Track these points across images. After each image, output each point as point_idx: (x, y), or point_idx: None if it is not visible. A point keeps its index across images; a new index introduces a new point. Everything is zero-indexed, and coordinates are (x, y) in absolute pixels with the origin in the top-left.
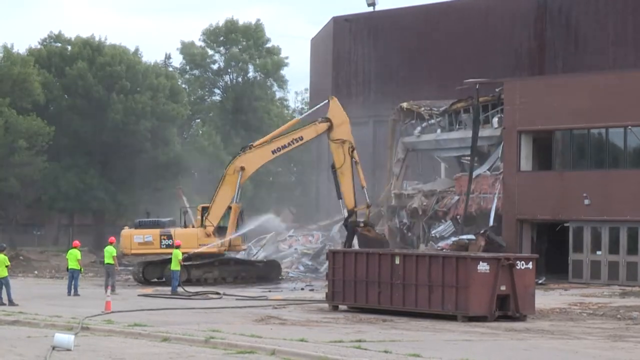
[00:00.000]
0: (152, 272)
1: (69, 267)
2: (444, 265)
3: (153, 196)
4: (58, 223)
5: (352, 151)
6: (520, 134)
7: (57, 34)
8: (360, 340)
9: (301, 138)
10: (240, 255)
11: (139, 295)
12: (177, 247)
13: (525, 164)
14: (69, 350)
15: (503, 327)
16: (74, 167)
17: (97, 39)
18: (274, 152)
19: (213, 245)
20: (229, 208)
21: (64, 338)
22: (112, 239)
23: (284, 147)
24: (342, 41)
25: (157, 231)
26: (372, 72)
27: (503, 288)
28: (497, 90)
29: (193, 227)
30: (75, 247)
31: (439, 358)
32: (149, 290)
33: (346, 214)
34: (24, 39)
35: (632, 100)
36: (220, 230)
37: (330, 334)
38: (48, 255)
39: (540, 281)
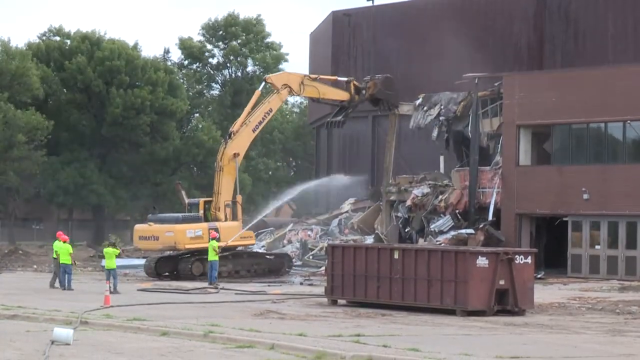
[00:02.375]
0: (165, 266)
1: (61, 261)
2: (443, 260)
3: (152, 191)
4: (57, 218)
5: (310, 78)
6: (519, 128)
7: (57, 27)
8: (359, 335)
9: (271, 110)
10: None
11: (138, 290)
12: (213, 238)
13: (524, 158)
14: (68, 344)
15: (502, 321)
16: (73, 161)
17: (96, 33)
18: (254, 130)
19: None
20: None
21: (63, 332)
22: (62, 235)
23: (260, 123)
24: (341, 35)
25: (205, 225)
26: (371, 66)
27: (502, 282)
28: (496, 84)
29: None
30: (65, 241)
31: (438, 352)
32: (149, 284)
33: (350, 104)
34: (23, 34)
35: (631, 94)
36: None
37: (329, 328)
38: (47, 249)
39: (539, 275)
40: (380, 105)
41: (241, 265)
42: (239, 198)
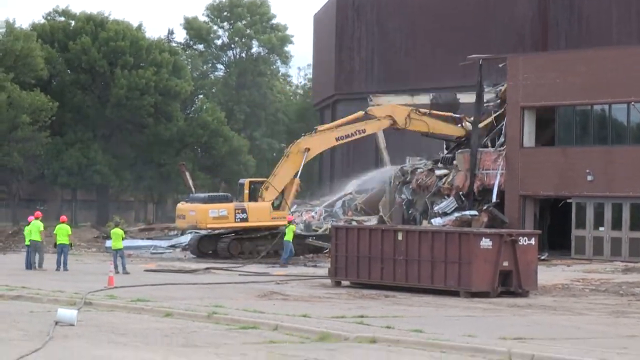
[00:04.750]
0: (207, 245)
1: (58, 242)
2: (446, 241)
3: (156, 172)
4: (61, 198)
5: (419, 112)
6: (523, 109)
7: (62, 8)
8: (362, 316)
9: (364, 131)
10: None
11: (145, 271)
12: (290, 222)
13: (528, 140)
14: (72, 325)
15: (505, 303)
16: (77, 142)
17: (100, 14)
18: (337, 139)
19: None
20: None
21: (67, 313)
22: (39, 213)
23: (347, 136)
24: (345, 17)
25: (231, 205)
26: (375, 48)
27: (506, 264)
28: (500, 65)
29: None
30: (63, 222)
31: (442, 333)
32: (153, 265)
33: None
34: (27, 14)
35: (635, 76)
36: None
37: (333, 309)
38: (51, 230)
39: (542, 257)
40: None
41: (279, 245)
42: (297, 181)
